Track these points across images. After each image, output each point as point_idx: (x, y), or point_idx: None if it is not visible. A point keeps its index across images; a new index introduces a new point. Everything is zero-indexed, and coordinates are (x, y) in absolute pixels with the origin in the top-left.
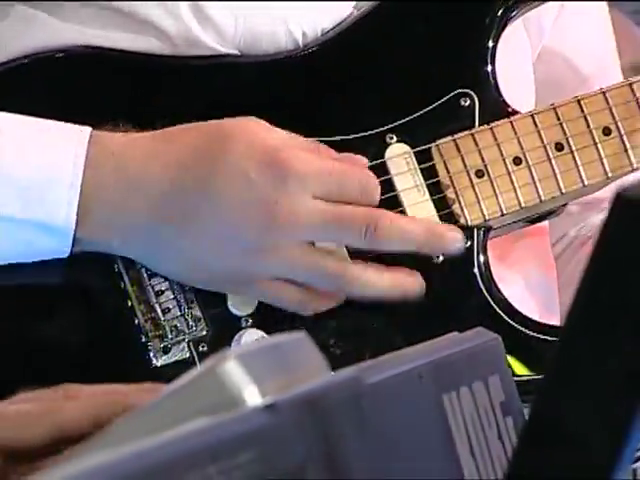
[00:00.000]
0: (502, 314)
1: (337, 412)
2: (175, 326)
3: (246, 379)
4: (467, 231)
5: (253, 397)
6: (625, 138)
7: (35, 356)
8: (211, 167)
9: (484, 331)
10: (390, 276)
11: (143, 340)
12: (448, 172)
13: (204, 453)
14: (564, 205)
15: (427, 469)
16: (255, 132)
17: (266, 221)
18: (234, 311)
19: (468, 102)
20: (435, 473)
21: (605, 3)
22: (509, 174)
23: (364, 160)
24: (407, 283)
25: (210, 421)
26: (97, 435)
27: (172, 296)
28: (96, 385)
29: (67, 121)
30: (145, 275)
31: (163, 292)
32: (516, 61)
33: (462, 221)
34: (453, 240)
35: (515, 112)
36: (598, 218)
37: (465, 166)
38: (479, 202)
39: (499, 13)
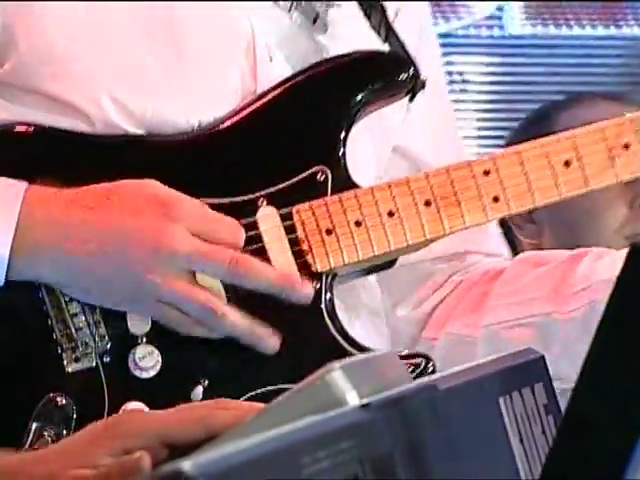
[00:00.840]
0: (342, 342)
1: (417, 411)
2: (85, 341)
3: (348, 385)
4: (317, 276)
5: (353, 399)
6: (442, 210)
7: None
8: (111, 205)
9: (532, 350)
10: (250, 324)
11: (59, 351)
12: (304, 230)
13: (316, 441)
14: (395, 259)
15: (488, 456)
16: (150, 182)
17: (152, 245)
18: (132, 330)
19: (323, 177)
20: (494, 460)
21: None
22: (351, 234)
23: (239, 227)
24: (265, 335)
25: (320, 417)
26: (237, 429)
27: (84, 317)
28: (238, 401)
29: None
30: (62, 300)
31: (77, 314)
32: (362, 147)
33: (313, 268)
34: (301, 288)
35: (358, 186)
36: (481, 265)
37: (317, 226)
38: (327, 254)
39: (352, 112)
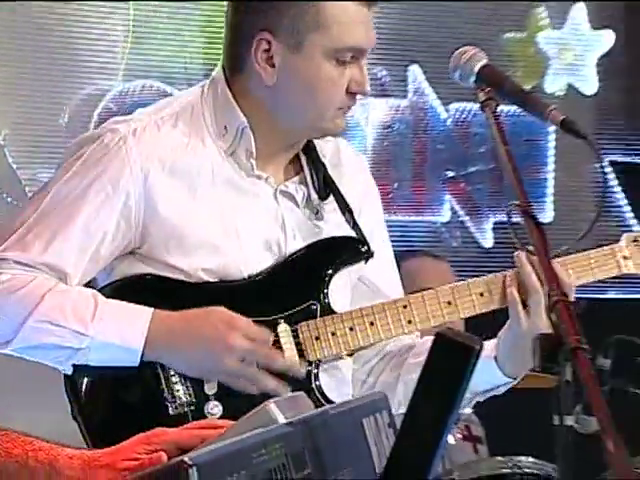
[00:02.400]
0: (320, 397)
1: (317, 426)
2: (180, 397)
3: (278, 412)
4: (309, 362)
5: (282, 419)
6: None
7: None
8: (200, 322)
9: (382, 392)
10: (275, 385)
11: (166, 402)
12: (303, 337)
13: (260, 443)
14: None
15: (357, 454)
16: (220, 309)
17: (223, 345)
18: (206, 391)
19: (315, 307)
20: (360, 457)
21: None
22: (328, 340)
23: (269, 334)
24: (282, 391)
25: (263, 430)
26: (218, 438)
27: (181, 383)
28: (222, 421)
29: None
30: (169, 372)
31: (177, 382)
32: (340, 287)
33: (308, 358)
34: (297, 370)
35: (335, 312)
36: (400, 342)
37: (310, 335)
38: (315, 350)
39: (333, 270)
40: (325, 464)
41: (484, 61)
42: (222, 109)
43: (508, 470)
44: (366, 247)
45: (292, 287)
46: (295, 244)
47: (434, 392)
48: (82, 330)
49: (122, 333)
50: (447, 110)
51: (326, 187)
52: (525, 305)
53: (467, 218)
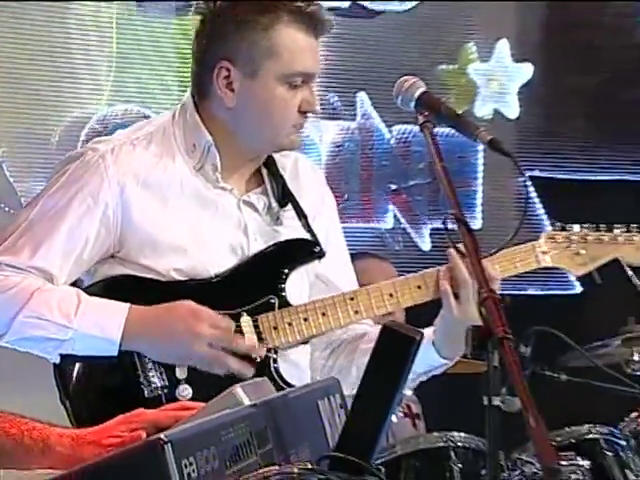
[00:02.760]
0: (278, 380)
1: (278, 407)
2: (154, 382)
3: (244, 395)
4: (269, 349)
5: (247, 401)
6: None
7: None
8: (171, 315)
9: (334, 377)
10: (236, 364)
11: (141, 386)
12: (263, 327)
13: (228, 422)
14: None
15: (313, 431)
16: (188, 302)
17: (191, 334)
18: (178, 376)
19: (273, 301)
20: (315, 434)
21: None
22: (285, 330)
23: (232, 322)
24: (242, 369)
25: (230, 411)
26: (190, 418)
27: (155, 369)
28: (193, 403)
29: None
30: (145, 359)
31: (151, 368)
32: (296, 283)
33: (267, 345)
34: (256, 352)
35: (291, 305)
36: (354, 330)
37: (269, 325)
38: (273, 339)
39: (289, 269)
40: (285, 440)
41: (422, 89)
42: (191, 130)
43: (443, 444)
44: (318, 248)
45: (253, 283)
46: (257, 246)
47: (381, 376)
48: (66, 323)
49: (102, 326)
50: (390, 131)
51: (284, 196)
52: (456, 296)
53: (408, 225)
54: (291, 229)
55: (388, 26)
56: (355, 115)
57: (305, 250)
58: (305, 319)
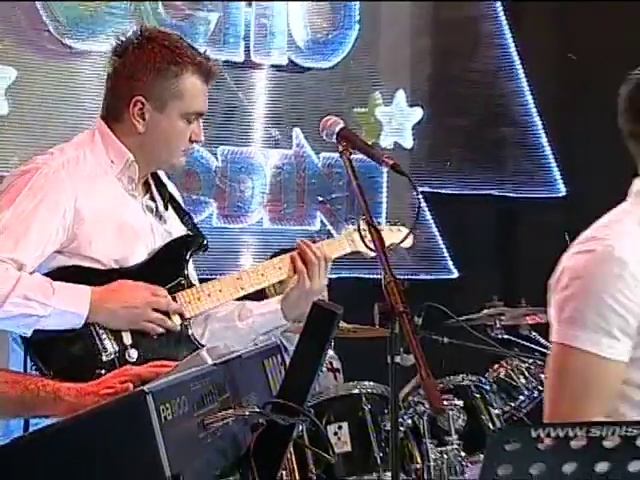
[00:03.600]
0: (196, 343)
1: (233, 366)
2: (108, 348)
3: (207, 356)
4: (185, 318)
5: (209, 361)
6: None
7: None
8: (119, 291)
9: (277, 342)
10: (171, 322)
11: (99, 351)
12: (180, 301)
13: (195, 378)
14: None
15: (258, 384)
16: (131, 282)
17: (137, 304)
18: (125, 341)
19: (184, 282)
20: (259, 384)
21: None
22: (197, 302)
23: (166, 291)
24: (175, 327)
25: (197, 368)
26: (166, 374)
27: (108, 338)
28: (169, 363)
29: None
30: (100, 328)
31: (105, 338)
32: (192, 268)
33: (184, 315)
34: (182, 312)
35: (194, 285)
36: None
37: (184, 299)
38: (189, 310)
39: (187, 257)
40: (238, 391)
41: (341, 125)
42: (110, 148)
43: (356, 390)
44: (205, 241)
45: (165, 270)
46: (158, 242)
47: (311, 341)
48: (47, 302)
49: (74, 303)
50: (318, 157)
51: (169, 201)
52: (308, 274)
53: (331, 227)
54: (175, 227)
55: (316, 79)
56: (292, 145)
57: (198, 243)
58: (209, 295)
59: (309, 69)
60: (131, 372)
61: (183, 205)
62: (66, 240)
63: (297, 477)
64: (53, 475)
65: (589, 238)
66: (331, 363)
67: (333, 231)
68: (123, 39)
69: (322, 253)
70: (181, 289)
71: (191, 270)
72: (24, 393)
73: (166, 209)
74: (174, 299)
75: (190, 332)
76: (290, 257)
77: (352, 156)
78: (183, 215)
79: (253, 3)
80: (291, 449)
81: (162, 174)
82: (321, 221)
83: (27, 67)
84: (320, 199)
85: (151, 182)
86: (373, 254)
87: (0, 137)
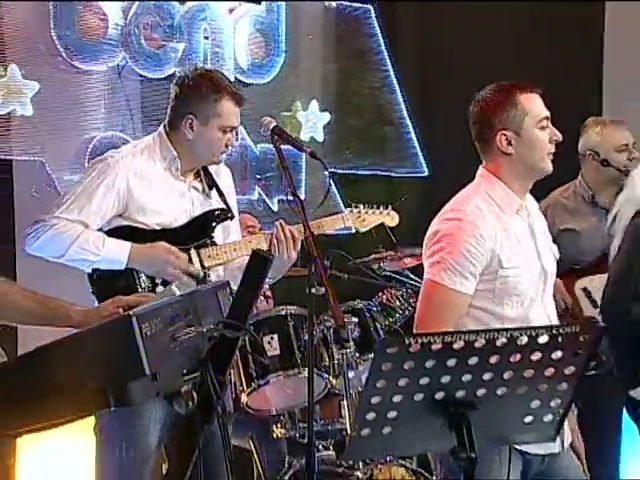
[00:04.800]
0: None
1: (196, 296)
2: (143, 286)
3: (176, 289)
4: (206, 267)
5: (178, 293)
6: (240, 251)
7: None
8: (154, 249)
9: (226, 280)
10: (185, 277)
11: (135, 285)
12: (203, 257)
13: (167, 304)
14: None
15: (215, 310)
16: (163, 243)
17: (165, 260)
18: (156, 280)
19: (209, 241)
20: (216, 311)
21: None
22: (216, 257)
23: (186, 256)
24: (190, 280)
25: (169, 298)
26: (146, 303)
27: (144, 276)
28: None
29: None
30: (138, 273)
31: (141, 278)
32: (219, 232)
33: (205, 265)
34: (197, 271)
35: (217, 244)
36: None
37: (206, 254)
38: (210, 262)
39: (214, 223)
40: (199, 314)
41: (274, 123)
42: (163, 147)
43: (284, 312)
44: (231, 213)
45: (196, 232)
46: (197, 211)
47: (251, 278)
48: (97, 252)
49: (117, 254)
50: (257, 147)
51: (210, 184)
52: (278, 248)
53: (265, 197)
54: (215, 202)
55: (255, 91)
56: (238, 138)
57: (223, 214)
58: (225, 252)
59: (250, 84)
60: (122, 301)
61: (225, 187)
62: (121, 209)
63: (241, 373)
64: (64, 377)
65: (452, 209)
66: (264, 292)
67: (267, 200)
68: (182, 73)
69: (291, 234)
70: (205, 246)
71: (218, 233)
72: (45, 310)
73: (210, 189)
74: (198, 253)
75: (208, 277)
76: (271, 235)
77: (281, 146)
78: (221, 195)
79: (209, 37)
80: (237, 354)
81: (217, 167)
82: (259, 193)
83: (46, 82)
84: (258, 177)
85: (201, 171)
86: (364, 229)
87: (27, 132)
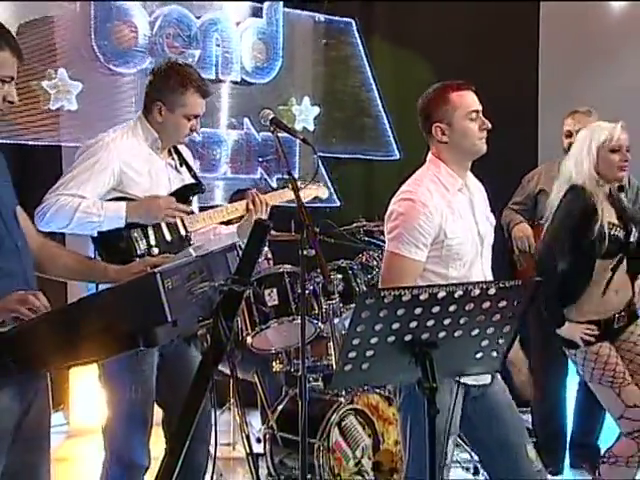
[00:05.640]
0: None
1: (209, 257)
2: (139, 246)
3: (193, 251)
4: (187, 232)
5: (194, 254)
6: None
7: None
8: (150, 202)
9: (234, 243)
10: (178, 220)
11: (134, 248)
12: (187, 220)
13: (185, 263)
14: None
15: (225, 268)
16: (151, 196)
17: (156, 207)
18: (151, 243)
19: (189, 213)
20: (226, 270)
21: None
22: (198, 222)
23: (175, 202)
24: (178, 222)
25: (186, 258)
26: (169, 262)
27: (139, 240)
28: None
29: None
30: (136, 235)
31: (137, 238)
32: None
33: (187, 229)
34: (189, 209)
35: (194, 213)
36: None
37: (192, 219)
38: (190, 226)
39: (191, 196)
40: (212, 272)
41: (273, 115)
42: (145, 130)
43: (281, 270)
44: (203, 187)
45: (179, 201)
46: (174, 186)
47: (254, 241)
48: (99, 212)
49: (116, 211)
50: (259, 135)
51: (181, 162)
52: (255, 212)
53: (266, 176)
54: (187, 177)
55: (257, 89)
56: (243, 128)
57: (198, 187)
58: (203, 219)
59: (253, 83)
60: (149, 261)
61: (192, 165)
62: (115, 183)
63: (247, 320)
64: (102, 323)
65: (405, 191)
66: (266, 254)
67: (268, 179)
68: (157, 65)
69: (264, 200)
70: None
71: (194, 204)
72: (87, 269)
73: (181, 166)
74: (182, 220)
75: (191, 241)
76: (245, 202)
77: (279, 134)
78: (190, 171)
79: (220, 45)
80: (243, 304)
81: (181, 147)
82: (261, 172)
83: (88, 82)
84: (260, 159)
85: (172, 150)
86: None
87: (72, 123)
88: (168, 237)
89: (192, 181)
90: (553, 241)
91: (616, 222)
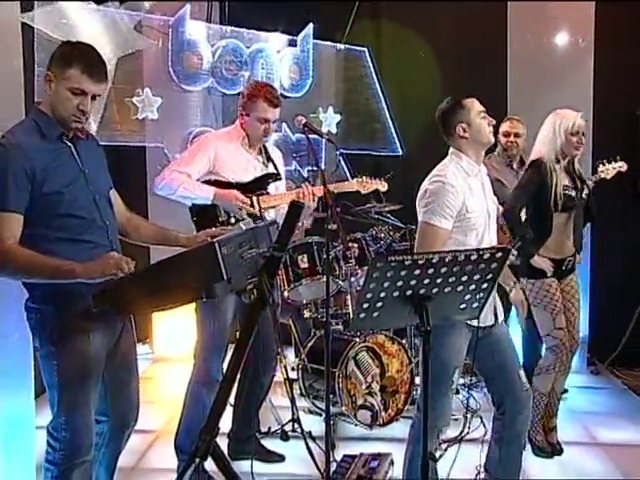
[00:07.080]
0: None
1: (256, 230)
2: (224, 217)
3: (243, 225)
4: (262, 209)
5: (245, 227)
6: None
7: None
8: (230, 195)
9: (275, 220)
10: (245, 211)
11: (217, 217)
12: (262, 199)
13: (237, 235)
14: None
15: (268, 240)
16: (233, 191)
17: (233, 197)
18: (233, 216)
19: (265, 193)
20: (268, 241)
21: None
22: (269, 201)
23: (247, 199)
24: (246, 206)
25: (239, 230)
26: (224, 233)
27: (224, 214)
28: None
29: None
30: (221, 210)
31: (222, 212)
32: (272, 189)
33: (260, 207)
34: (254, 211)
35: (269, 194)
36: None
37: (267, 199)
38: (265, 205)
39: (270, 181)
40: (258, 243)
41: (304, 120)
42: (239, 132)
43: (310, 240)
44: (279, 176)
45: (257, 186)
46: (259, 173)
47: (290, 218)
48: (194, 191)
49: (206, 192)
50: (294, 135)
51: (268, 157)
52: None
53: (300, 168)
54: (271, 168)
55: (293, 101)
56: (281, 131)
57: (276, 175)
58: (274, 199)
59: (289, 97)
60: (210, 232)
61: (276, 161)
62: (211, 167)
63: (284, 278)
64: (176, 279)
65: (436, 174)
66: (299, 228)
67: (300, 170)
68: (252, 83)
69: (311, 190)
70: (262, 195)
71: (271, 188)
72: (163, 236)
73: (268, 162)
74: (258, 199)
75: (264, 216)
76: (300, 190)
77: (309, 135)
78: (275, 167)
79: (265, 68)
80: (281, 266)
81: (270, 147)
82: (294, 165)
83: (166, 97)
84: (294, 155)
85: (262, 149)
86: (365, 192)
87: (154, 129)
88: (244, 212)
89: (272, 171)
90: (518, 197)
91: (570, 184)
